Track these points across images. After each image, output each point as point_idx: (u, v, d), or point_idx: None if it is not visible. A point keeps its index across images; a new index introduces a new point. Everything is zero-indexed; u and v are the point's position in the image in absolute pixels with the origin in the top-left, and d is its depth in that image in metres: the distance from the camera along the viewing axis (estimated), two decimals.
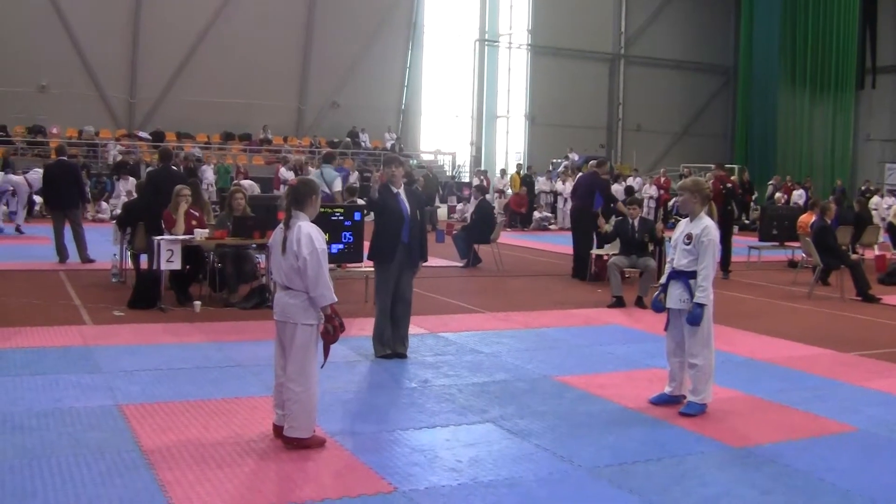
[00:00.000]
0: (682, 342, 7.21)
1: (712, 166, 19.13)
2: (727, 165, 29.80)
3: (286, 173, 28.64)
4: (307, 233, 5.80)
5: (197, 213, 11.77)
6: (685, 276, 7.13)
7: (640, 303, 12.41)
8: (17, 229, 20.55)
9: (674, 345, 7.32)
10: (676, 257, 7.23)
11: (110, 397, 6.95)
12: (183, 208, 11.47)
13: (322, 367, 5.94)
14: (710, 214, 7.28)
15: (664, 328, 7.41)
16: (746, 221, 30.29)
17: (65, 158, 15.93)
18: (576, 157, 35.22)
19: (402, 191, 8.72)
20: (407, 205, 8.67)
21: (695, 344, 7.07)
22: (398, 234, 8.59)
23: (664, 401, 7.32)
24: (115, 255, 13.45)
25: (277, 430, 6.00)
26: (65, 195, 15.14)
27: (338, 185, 15.05)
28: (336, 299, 5.85)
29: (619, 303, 12.50)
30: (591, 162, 18.03)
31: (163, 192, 12.02)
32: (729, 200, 16.62)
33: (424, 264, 9.19)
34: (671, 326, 7.31)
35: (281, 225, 6.00)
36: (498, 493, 5.24)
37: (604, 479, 5.53)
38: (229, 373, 7.96)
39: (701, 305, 7.00)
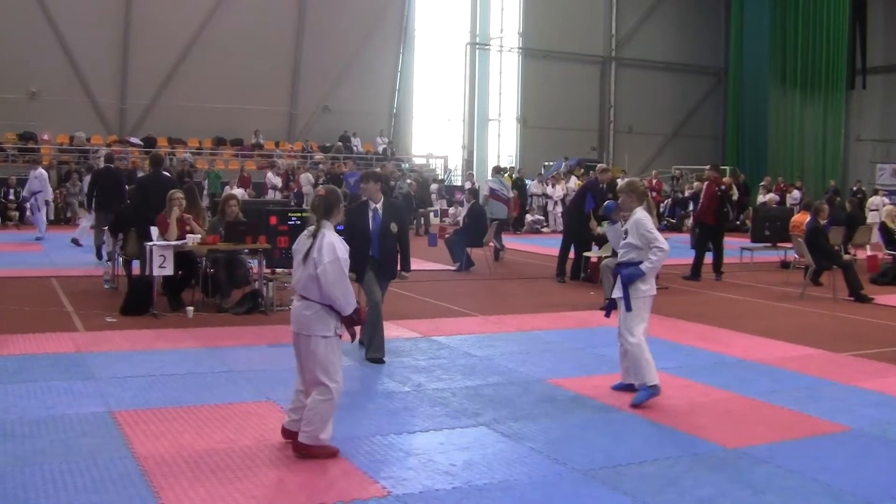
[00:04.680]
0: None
1: (707, 167, 19.10)
2: (720, 167, 29.71)
3: (274, 178, 28.59)
4: (329, 241, 5.82)
5: (191, 217, 11.71)
6: (622, 267, 7.55)
7: None
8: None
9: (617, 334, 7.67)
10: (619, 250, 7.69)
11: (103, 404, 6.93)
12: (176, 213, 11.43)
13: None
14: (648, 210, 7.63)
15: (606, 315, 8.00)
16: (738, 223, 30.31)
17: (111, 166, 17.52)
18: (561, 164, 35.27)
19: (379, 206, 8.83)
20: (379, 221, 8.79)
21: (623, 327, 7.45)
22: (366, 251, 8.75)
23: (621, 388, 7.69)
24: (107, 261, 13.42)
25: (287, 433, 6.00)
26: (112, 198, 16.37)
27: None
28: (356, 304, 5.92)
29: (612, 304, 12.46)
30: (599, 166, 18.10)
31: (153, 198, 11.99)
32: (724, 202, 16.64)
33: (412, 270, 9.52)
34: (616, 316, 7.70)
35: (305, 233, 6.01)
36: (492, 496, 5.24)
37: (598, 482, 5.53)
38: (222, 378, 7.95)
39: (638, 268, 7.36)
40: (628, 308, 7.41)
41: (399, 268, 9.18)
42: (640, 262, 7.38)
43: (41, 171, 21.95)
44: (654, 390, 7.27)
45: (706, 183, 17.08)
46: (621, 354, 7.67)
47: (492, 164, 40.71)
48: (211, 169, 29.13)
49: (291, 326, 5.96)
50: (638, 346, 7.33)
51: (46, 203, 22.03)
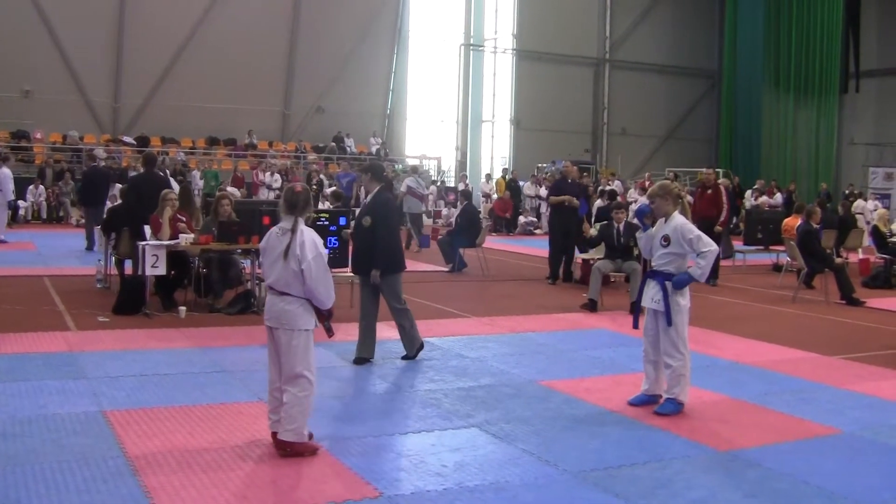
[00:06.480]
0: (656, 342, 7.32)
1: (703, 169, 19.00)
2: (713, 169, 29.55)
3: (270, 178, 28.53)
4: (311, 238, 5.88)
5: (184, 218, 11.71)
6: (661, 276, 7.26)
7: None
8: None
9: (647, 344, 7.43)
10: (654, 258, 7.34)
11: (95, 403, 6.92)
12: (168, 213, 11.42)
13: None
14: (684, 213, 7.37)
15: (643, 329, 7.50)
16: (731, 225, 30.33)
17: (96, 164, 18.69)
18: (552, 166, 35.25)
19: (368, 198, 8.80)
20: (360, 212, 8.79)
21: (668, 344, 7.19)
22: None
23: (642, 401, 7.40)
24: (99, 260, 13.40)
25: (276, 436, 5.99)
26: (98, 195, 17.50)
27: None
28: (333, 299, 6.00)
29: (591, 305, 12.46)
30: (565, 162, 18.01)
31: (146, 197, 11.96)
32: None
33: (401, 270, 9.08)
34: (646, 326, 7.41)
35: (276, 230, 6.01)
36: (484, 497, 5.24)
37: (589, 483, 5.53)
38: (214, 378, 7.94)
39: (689, 275, 7.15)
40: (669, 323, 7.14)
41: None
42: (682, 273, 7.16)
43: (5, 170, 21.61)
44: (682, 407, 7.20)
45: (719, 184, 16.99)
46: (650, 366, 7.41)
47: (485, 165, 40.91)
48: (208, 169, 29.10)
49: (268, 322, 5.97)
50: (684, 363, 7.16)
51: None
